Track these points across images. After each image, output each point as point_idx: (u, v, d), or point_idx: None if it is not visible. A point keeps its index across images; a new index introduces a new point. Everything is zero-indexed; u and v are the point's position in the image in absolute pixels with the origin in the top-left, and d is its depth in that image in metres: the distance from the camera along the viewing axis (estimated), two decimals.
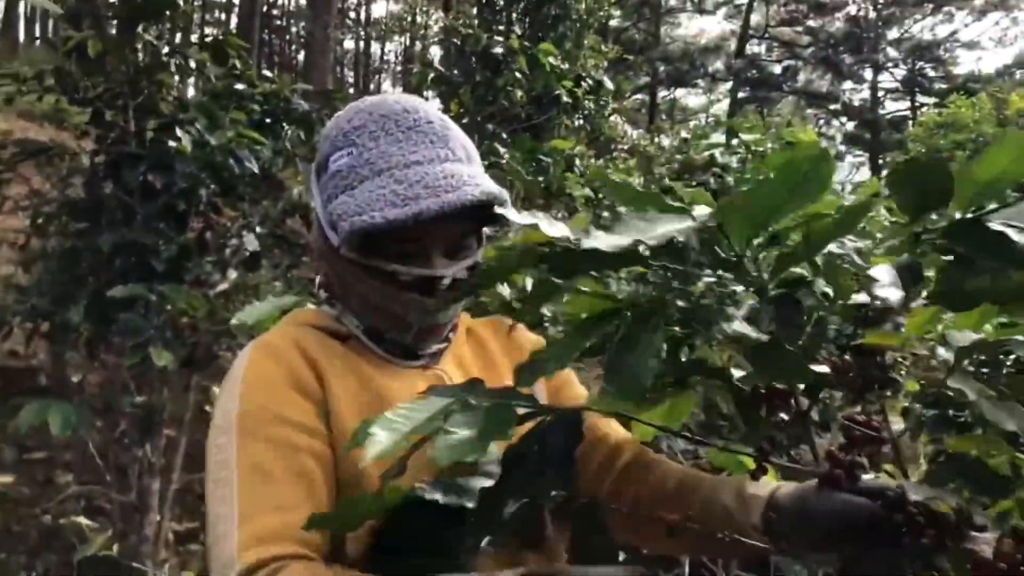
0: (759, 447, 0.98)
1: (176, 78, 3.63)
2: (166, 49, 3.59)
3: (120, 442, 3.60)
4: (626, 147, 8.72)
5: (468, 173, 1.07)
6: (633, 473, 1.21)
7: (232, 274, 3.69)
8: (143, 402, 3.45)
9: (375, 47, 30.08)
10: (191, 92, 4.43)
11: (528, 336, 1.33)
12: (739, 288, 0.88)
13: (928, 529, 0.82)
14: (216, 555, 0.94)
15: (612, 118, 8.63)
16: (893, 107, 32.05)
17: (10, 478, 4.56)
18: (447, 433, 0.78)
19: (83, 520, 3.81)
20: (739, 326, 0.81)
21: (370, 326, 1.14)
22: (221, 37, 3.92)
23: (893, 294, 0.78)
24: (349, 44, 29.11)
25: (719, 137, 6.23)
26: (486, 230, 1.18)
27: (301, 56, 26.75)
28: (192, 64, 3.67)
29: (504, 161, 5.13)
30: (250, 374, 1.05)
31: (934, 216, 0.81)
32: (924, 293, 0.82)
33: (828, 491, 0.91)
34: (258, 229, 3.75)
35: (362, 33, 27.66)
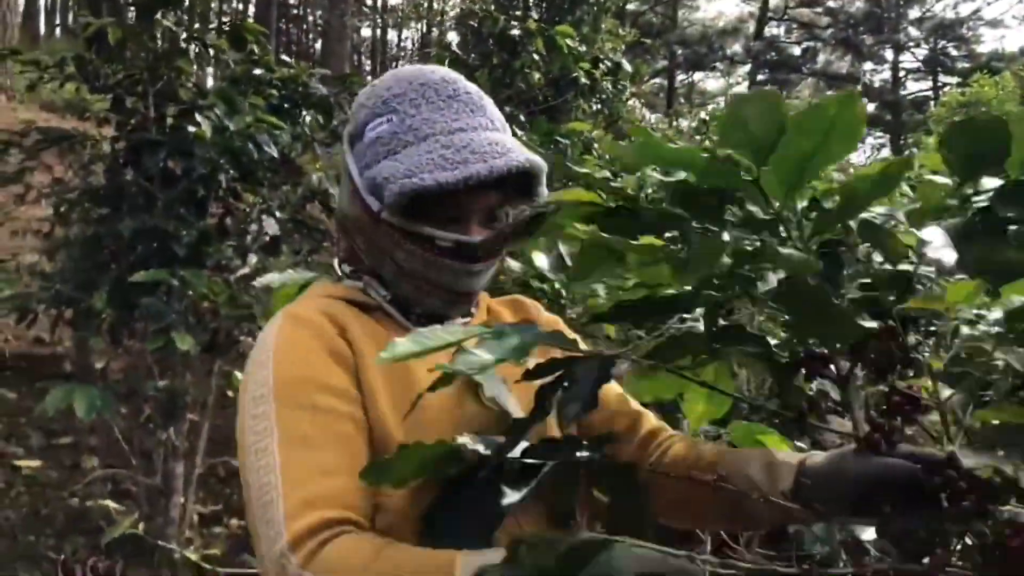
0: (798, 410, 0.97)
1: (194, 65, 3.64)
2: (184, 35, 3.60)
3: (144, 426, 3.63)
4: None
5: (509, 142, 1.09)
6: (656, 442, 1.23)
7: (252, 259, 3.69)
8: (166, 386, 3.47)
9: (392, 34, 30.05)
10: (210, 81, 4.44)
11: (547, 316, 1.33)
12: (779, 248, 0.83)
13: (969, 494, 0.80)
14: (263, 522, 0.94)
15: (630, 102, 8.58)
16: (915, 87, 31.72)
17: (38, 462, 4.63)
18: (465, 352, 0.80)
19: (109, 503, 3.85)
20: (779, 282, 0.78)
21: (399, 296, 1.15)
22: (239, 23, 3.92)
23: (947, 256, 0.74)
24: (366, 32, 29.10)
25: None
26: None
27: (318, 45, 26.81)
28: (210, 50, 3.68)
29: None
30: (282, 343, 1.05)
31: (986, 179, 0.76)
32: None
33: (866, 455, 0.91)
34: (278, 214, 3.76)
35: (379, 21, 27.60)
